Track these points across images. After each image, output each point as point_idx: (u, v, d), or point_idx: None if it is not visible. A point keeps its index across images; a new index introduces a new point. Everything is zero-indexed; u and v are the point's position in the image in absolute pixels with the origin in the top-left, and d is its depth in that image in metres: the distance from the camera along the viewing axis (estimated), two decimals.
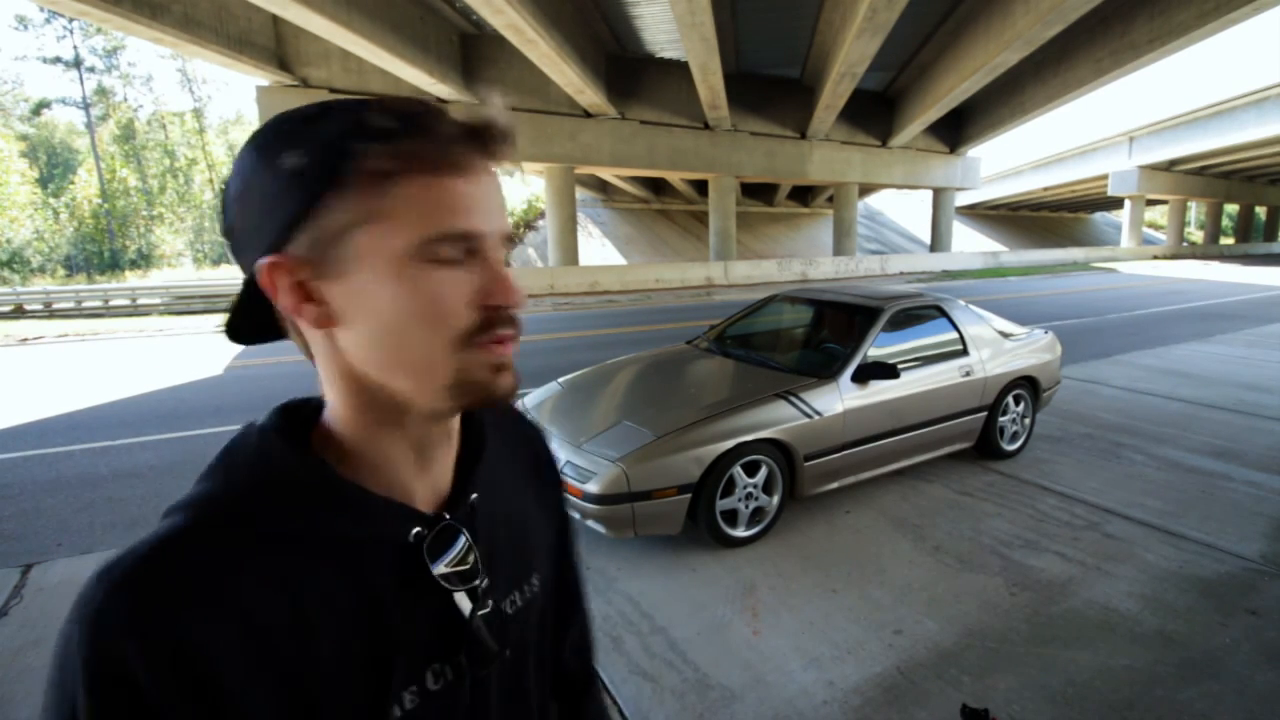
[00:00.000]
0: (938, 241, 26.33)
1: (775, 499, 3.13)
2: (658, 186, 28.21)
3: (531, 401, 3.69)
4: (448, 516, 0.53)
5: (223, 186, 0.48)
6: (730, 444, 2.90)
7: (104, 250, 30.86)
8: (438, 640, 0.51)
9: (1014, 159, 35.87)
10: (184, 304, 15.18)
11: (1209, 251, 36.08)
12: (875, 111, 21.94)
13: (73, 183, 32.35)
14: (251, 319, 0.51)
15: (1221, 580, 2.70)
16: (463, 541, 0.53)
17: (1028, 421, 4.24)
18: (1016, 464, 4.06)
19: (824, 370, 3.43)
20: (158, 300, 15.17)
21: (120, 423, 5.30)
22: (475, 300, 0.46)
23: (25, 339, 10.86)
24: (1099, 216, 48.06)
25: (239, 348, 9.28)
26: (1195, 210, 47.18)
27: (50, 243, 29.70)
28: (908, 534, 3.15)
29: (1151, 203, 39.28)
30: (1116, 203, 38.31)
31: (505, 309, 0.47)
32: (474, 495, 0.55)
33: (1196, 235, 45.14)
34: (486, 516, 0.57)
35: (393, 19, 12.03)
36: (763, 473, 3.06)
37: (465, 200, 0.45)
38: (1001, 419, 4.07)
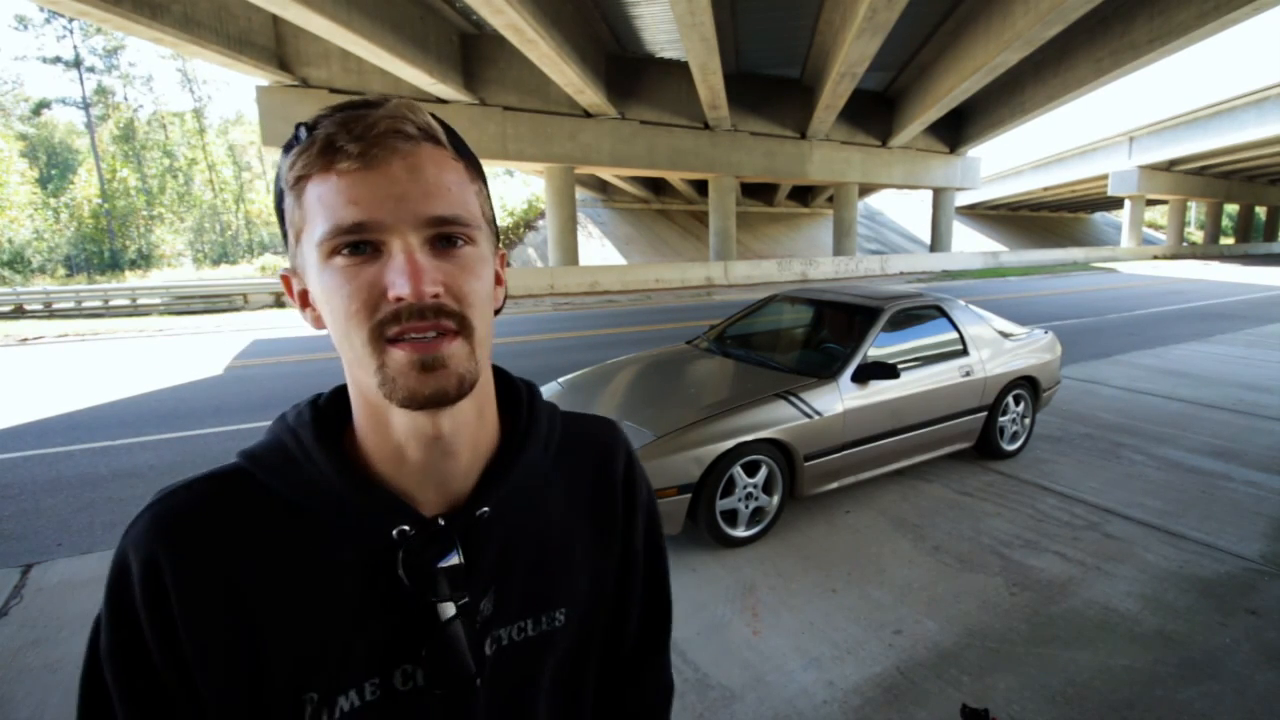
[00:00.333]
0: (938, 241, 26.33)
1: (775, 499, 3.13)
2: (658, 186, 28.21)
3: None
4: (442, 522, 0.51)
5: None
6: (730, 444, 2.90)
7: (104, 250, 30.86)
8: (402, 641, 0.50)
9: (1014, 159, 35.85)
10: (184, 304, 15.17)
11: (1209, 251, 36.08)
12: (875, 111, 21.92)
13: (73, 183, 32.33)
14: None
15: (1221, 580, 2.70)
16: (457, 552, 0.51)
17: (1028, 421, 4.24)
18: (1016, 464, 4.06)
19: (824, 370, 3.43)
20: (158, 300, 15.15)
21: (120, 423, 5.30)
22: (376, 294, 0.45)
23: (25, 339, 10.85)
24: (1099, 216, 48.06)
25: (239, 348, 9.30)
26: (1195, 210, 47.20)
27: (50, 243, 29.69)
28: (907, 534, 3.15)
29: (1151, 203, 39.30)
30: (1116, 203, 38.32)
31: (406, 301, 0.44)
32: (484, 509, 0.53)
33: (1196, 235, 45.15)
34: (502, 532, 0.55)
35: (393, 19, 12.03)
36: (763, 473, 3.06)
37: (353, 192, 0.44)
38: (1001, 419, 4.07)
